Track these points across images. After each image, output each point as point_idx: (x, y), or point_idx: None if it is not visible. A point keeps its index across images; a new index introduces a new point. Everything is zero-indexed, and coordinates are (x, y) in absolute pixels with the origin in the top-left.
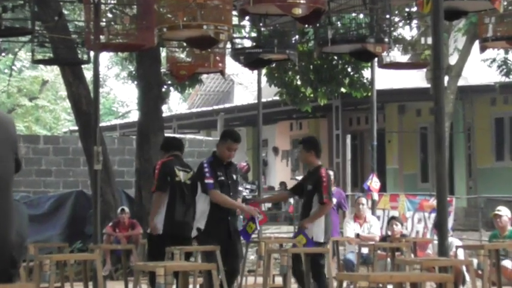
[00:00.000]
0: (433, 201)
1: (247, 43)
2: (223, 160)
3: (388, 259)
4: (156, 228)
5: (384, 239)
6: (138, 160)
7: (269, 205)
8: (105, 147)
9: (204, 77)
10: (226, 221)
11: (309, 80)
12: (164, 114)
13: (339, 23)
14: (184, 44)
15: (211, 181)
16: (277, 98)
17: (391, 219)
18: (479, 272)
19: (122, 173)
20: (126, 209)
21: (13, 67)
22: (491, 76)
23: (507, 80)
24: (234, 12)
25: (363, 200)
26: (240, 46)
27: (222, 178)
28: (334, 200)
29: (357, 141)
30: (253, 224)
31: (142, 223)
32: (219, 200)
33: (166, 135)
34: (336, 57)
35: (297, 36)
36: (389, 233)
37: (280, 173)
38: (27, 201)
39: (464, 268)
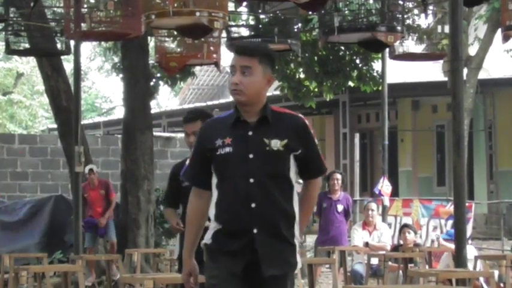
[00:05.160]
0: (450, 207)
1: (245, 32)
2: None
3: (400, 271)
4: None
5: (395, 248)
6: (123, 161)
7: None
8: (87, 147)
9: (196, 69)
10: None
11: (313, 72)
12: (153, 111)
13: (346, 9)
14: (175, 33)
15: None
16: (278, 92)
17: (404, 227)
18: (501, 285)
19: (106, 175)
20: (95, 168)
21: None
22: None
23: None
24: None
25: (373, 205)
26: (236, 35)
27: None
28: (341, 207)
29: (367, 141)
30: None
31: (128, 232)
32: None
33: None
34: (343, 48)
35: (299, 24)
36: (401, 242)
37: None
38: (1, 206)
39: (482, 280)
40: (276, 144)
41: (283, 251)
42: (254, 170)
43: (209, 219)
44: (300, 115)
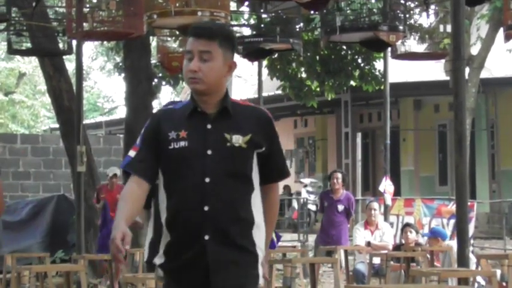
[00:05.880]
0: (452, 206)
1: (247, 31)
2: None
3: (402, 270)
4: None
5: (397, 247)
6: None
7: None
8: (89, 147)
9: None
10: None
11: (315, 72)
12: (154, 111)
13: (348, 8)
14: (177, 33)
15: None
16: (279, 92)
17: (405, 226)
18: (503, 284)
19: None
20: (119, 173)
21: None
22: None
23: None
24: None
25: (375, 205)
26: (238, 35)
27: None
28: (342, 207)
29: (369, 140)
30: None
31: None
32: None
33: None
34: (344, 47)
35: (301, 24)
36: (403, 241)
37: None
38: None
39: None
40: (237, 140)
41: (239, 261)
42: (211, 168)
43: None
44: (265, 109)
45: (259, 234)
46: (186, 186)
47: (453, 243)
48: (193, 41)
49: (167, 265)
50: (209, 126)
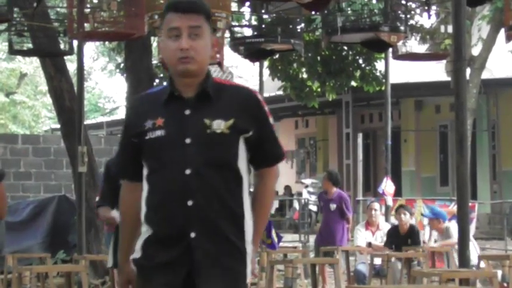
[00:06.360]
0: (453, 207)
1: (248, 32)
2: None
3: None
4: None
5: (392, 229)
6: None
7: (272, 211)
8: (90, 147)
9: None
10: None
11: (316, 72)
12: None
13: (349, 9)
14: None
15: None
16: (280, 92)
17: (399, 208)
18: (504, 284)
19: None
20: None
21: None
22: None
23: None
24: None
25: (376, 205)
26: (239, 35)
27: None
28: (334, 206)
29: (370, 141)
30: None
31: None
32: None
33: None
34: (346, 48)
35: (302, 24)
36: (396, 222)
37: (284, 175)
38: None
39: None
40: (219, 125)
41: (228, 260)
42: (192, 158)
43: None
44: (253, 88)
45: (248, 228)
46: (166, 179)
47: (452, 224)
48: (179, 17)
49: (143, 261)
50: (187, 112)
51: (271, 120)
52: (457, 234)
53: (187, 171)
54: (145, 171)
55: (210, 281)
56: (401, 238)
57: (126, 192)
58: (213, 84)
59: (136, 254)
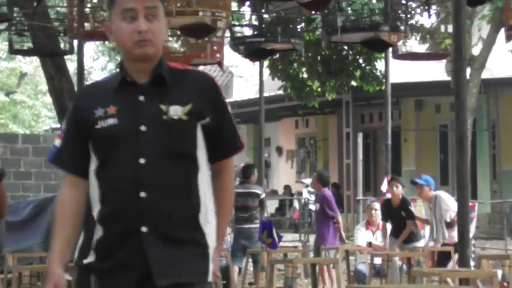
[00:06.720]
0: None
1: (248, 31)
2: None
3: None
4: None
5: (385, 202)
6: None
7: (272, 211)
8: None
9: (200, 69)
10: None
11: (316, 72)
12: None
13: (349, 8)
14: (178, 33)
15: None
16: (281, 92)
17: (392, 180)
18: (505, 284)
19: None
20: None
21: None
22: None
23: None
24: None
25: (376, 205)
26: (239, 35)
27: None
28: (317, 205)
29: (370, 140)
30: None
31: None
32: None
33: None
34: (346, 47)
35: (303, 24)
36: (388, 195)
37: (285, 175)
38: None
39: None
40: (176, 111)
41: (185, 255)
42: (146, 147)
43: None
44: (209, 73)
45: (209, 222)
46: (118, 170)
47: (441, 193)
48: None
49: (97, 265)
50: (141, 98)
51: (229, 108)
52: (448, 206)
53: (142, 161)
54: (93, 165)
55: (165, 276)
56: (394, 210)
57: (67, 188)
58: (167, 69)
59: (90, 258)
